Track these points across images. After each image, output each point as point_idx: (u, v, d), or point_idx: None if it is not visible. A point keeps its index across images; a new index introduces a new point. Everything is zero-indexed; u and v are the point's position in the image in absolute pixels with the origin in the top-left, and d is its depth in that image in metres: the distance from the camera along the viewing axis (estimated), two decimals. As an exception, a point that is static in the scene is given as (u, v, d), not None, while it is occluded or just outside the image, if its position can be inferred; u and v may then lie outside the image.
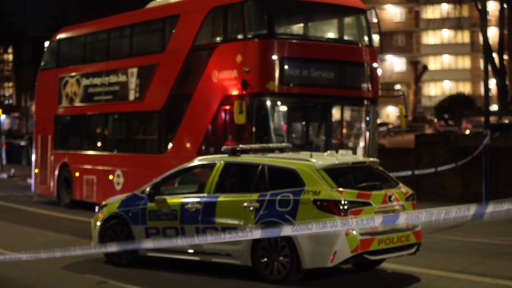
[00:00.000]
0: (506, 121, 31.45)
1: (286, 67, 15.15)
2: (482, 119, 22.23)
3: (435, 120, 56.47)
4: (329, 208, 9.84)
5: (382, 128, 39.11)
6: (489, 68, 26.87)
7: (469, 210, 5.21)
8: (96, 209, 12.67)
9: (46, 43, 23.43)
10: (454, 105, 57.45)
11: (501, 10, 45.12)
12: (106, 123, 20.02)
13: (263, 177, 10.77)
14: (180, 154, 16.44)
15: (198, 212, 11.01)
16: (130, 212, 11.79)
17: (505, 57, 47.23)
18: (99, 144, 20.33)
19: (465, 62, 79.82)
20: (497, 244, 13.71)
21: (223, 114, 15.61)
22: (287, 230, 5.03)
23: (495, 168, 19.56)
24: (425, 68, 58.56)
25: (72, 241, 14.65)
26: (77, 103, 20.82)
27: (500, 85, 44.54)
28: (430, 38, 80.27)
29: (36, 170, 22.31)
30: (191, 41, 16.82)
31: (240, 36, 15.64)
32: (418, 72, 57.67)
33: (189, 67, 16.91)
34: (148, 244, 4.82)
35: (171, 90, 17.31)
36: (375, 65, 16.45)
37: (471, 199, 20.20)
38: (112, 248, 4.95)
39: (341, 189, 10.03)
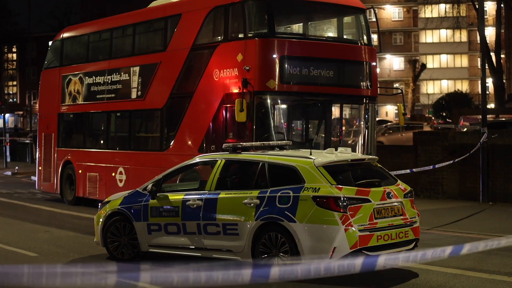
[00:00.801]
0: (503, 119, 31.57)
1: (286, 65, 15.18)
2: (480, 117, 22.36)
3: (433, 118, 56.52)
4: (329, 204, 9.94)
5: (381, 126, 39.24)
6: (486, 66, 26.96)
7: (445, 252, 5.37)
8: (99, 206, 12.82)
9: (50, 42, 23.53)
10: (451, 103, 57.45)
11: (498, 9, 45.17)
12: (108, 121, 20.04)
13: (263, 174, 10.85)
14: (182, 151, 16.51)
15: (199, 208, 11.13)
16: (132, 208, 11.91)
17: (502, 55, 47.35)
18: (102, 141, 20.44)
19: (462, 61, 79.85)
20: (495, 241, 13.77)
21: (224, 112, 15.64)
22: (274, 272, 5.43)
23: (492, 165, 19.69)
24: (423, 66, 58.37)
25: (76, 237, 14.79)
26: (80, 101, 20.85)
27: (497, 84, 44.64)
28: (428, 37, 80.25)
29: (40, 168, 22.37)
30: (193, 40, 16.89)
31: (240, 35, 15.70)
32: (416, 70, 57.51)
33: (190, 66, 16.97)
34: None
35: (173, 89, 17.37)
36: (374, 63, 16.55)
37: (468, 196, 20.36)
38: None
39: (340, 186, 10.14)
